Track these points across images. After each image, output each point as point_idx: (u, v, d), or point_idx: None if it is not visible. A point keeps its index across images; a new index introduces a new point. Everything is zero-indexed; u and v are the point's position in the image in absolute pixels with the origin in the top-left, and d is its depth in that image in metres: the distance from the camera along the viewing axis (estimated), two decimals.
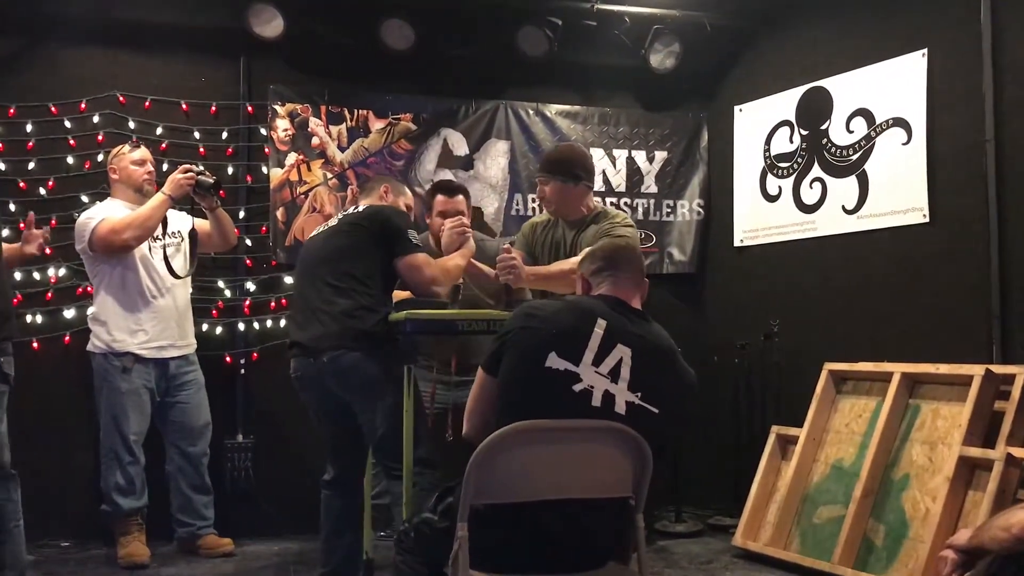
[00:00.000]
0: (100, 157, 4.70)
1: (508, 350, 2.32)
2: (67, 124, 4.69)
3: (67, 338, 4.60)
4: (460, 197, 4.03)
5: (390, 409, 3.03)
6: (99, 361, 4.21)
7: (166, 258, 4.18)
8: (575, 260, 3.33)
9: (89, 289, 4.59)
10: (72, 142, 4.70)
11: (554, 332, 2.27)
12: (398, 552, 2.54)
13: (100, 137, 4.72)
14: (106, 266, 4.20)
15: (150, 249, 4.25)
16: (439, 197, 4.01)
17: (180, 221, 4.34)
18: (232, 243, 4.53)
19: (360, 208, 3.39)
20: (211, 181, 4.20)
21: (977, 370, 3.80)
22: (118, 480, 4.17)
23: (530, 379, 2.26)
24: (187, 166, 4.23)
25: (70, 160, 4.69)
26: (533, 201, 5.30)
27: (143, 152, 4.38)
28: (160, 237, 4.26)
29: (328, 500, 3.35)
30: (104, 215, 4.17)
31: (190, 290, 4.46)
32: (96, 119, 4.73)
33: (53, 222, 4.61)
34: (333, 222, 3.39)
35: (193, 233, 4.24)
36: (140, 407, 4.21)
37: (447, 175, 5.14)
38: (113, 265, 4.19)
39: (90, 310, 4.30)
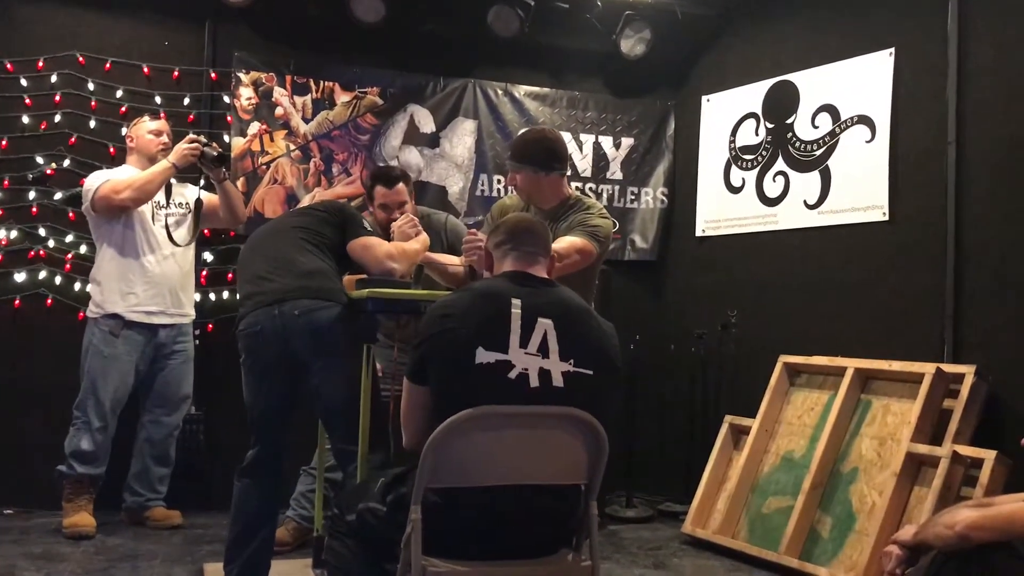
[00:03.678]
0: (57, 118, 4.60)
1: (432, 357, 2.27)
2: (23, 82, 4.57)
3: (17, 302, 4.51)
4: (400, 186, 3.79)
5: (351, 378, 2.95)
6: (90, 325, 4.23)
7: (167, 227, 4.23)
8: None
9: (41, 253, 4.55)
10: (28, 101, 4.58)
11: (474, 327, 2.24)
12: (334, 536, 2.48)
13: (58, 98, 4.61)
14: (107, 228, 4.22)
15: (152, 217, 4.28)
16: (379, 188, 3.79)
17: (188, 193, 4.39)
18: (242, 219, 4.54)
19: (315, 202, 3.42)
20: (215, 153, 4.22)
21: (928, 368, 3.87)
22: (82, 445, 4.13)
23: (463, 380, 2.21)
24: (192, 136, 4.25)
25: (25, 119, 4.58)
26: (499, 182, 5.28)
27: (161, 123, 4.42)
28: (164, 206, 4.29)
29: (245, 492, 3.11)
30: (109, 177, 4.19)
31: (191, 261, 4.44)
32: (54, 79, 4.61)
33: (6, 182, 4.52)
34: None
35: (199, 202, 4.28)
36: (122, 375, 4.20)
37: (413, 152, 5.10)
38: (113, 226, 4.21)
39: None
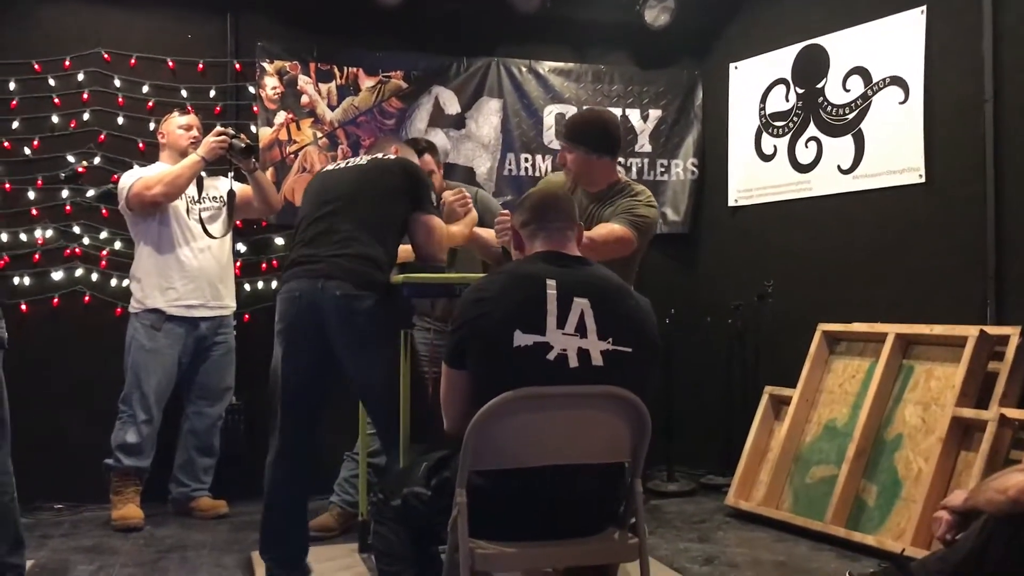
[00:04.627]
0: (86, 116, 4.64)
1: (469, 343, 2.26)
2: (51, 82, 4.60)
3: (56, 300, 4.56)
4: (427, 156, 3.89)
5: (388, 365, 2.93)
6: (132, 320, 4.28)
7: (202, 221, 4.27)
8: (589, 234, 3.15)
9: (77, 251, 4.61)
10: (57, 101, 4.61)
11: (510, 310, 2.23)
12: (379, 521, 2.49)
13: (85, 96, 4.64)
14: (143, 225, 4.27)
15: (187, 211, 4.31)
16: None
17: (220, 186, 4.41)
18: (276, 207, 4.56)
19: (389, 156, 3.25)
20: (243, 144, 4.24)
21: (971, 331, 3.80)
22: (128, 438, 4.19)
23: (502, 364, 2.21)
24: (220, 128, 4.28)
25: (55, 119, 4.62)
26: (526, 160, 5.26)
27: (191, 118, 4.45)
28: (198, 201, 4.33)
29: (276, 485, 3.05)
30: (141, 175, 4.23)
31: (229, 253, 4.47)
32: (81, 77, 4.64)
33: (39, 182, 4.57)
34: (362, 160, 3.24)
35: (231, 193, 4.31)
36: (164, 367, 4.25)
37: (439, 134, 5.08)
38: (149, 224, 4.25)
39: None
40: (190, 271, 4.27)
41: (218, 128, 4.29)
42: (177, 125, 4.38)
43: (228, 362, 4.45)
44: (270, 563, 3.13)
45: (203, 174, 4.31)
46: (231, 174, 4.32)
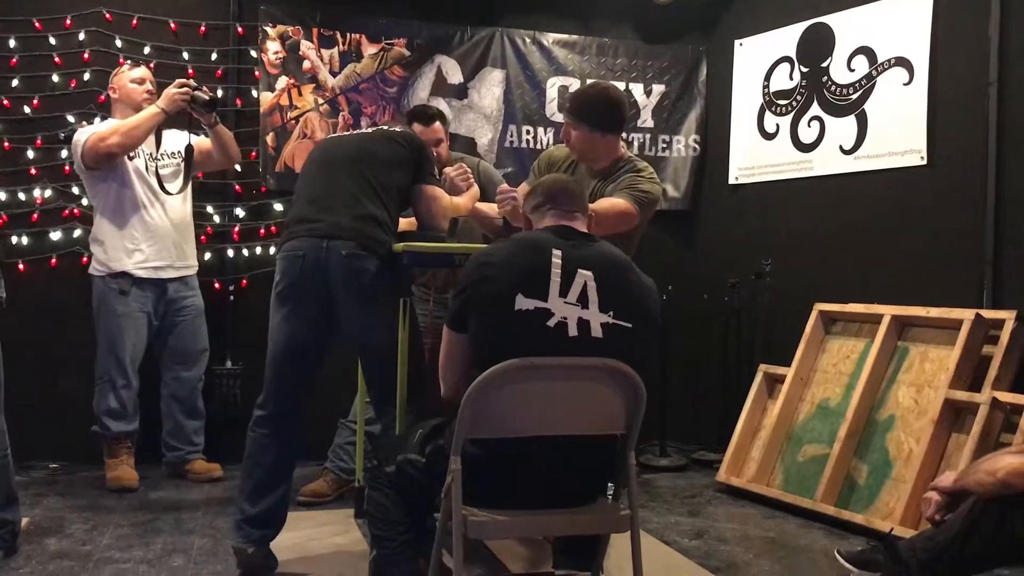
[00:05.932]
0: (87, 76, 4.61)
1: (473, 305, 2.29)
2: (52, 41, 4.57)
3: (54, 260, 4.55)
4: (437, 124, 3.90)
5: (388, 326, 2.93)
6: (98, 284, 4.19)
7: (158, 176, 4.17)
8: (592, 206, 3.18)
9: (76, 211, 4.59)
10: (57, 60, 4.58)
11: (515, 274, 2.25)
12: (374, 487, 2.52)
13: (86, 55, 4.60)
14: (103, 185, 4.16)
15: (146, 168, 4.21)
16: (415, 126, 3.83)
17: (178, 141, 4.30)
18: (236, 159, 4.47)
19: (395, 128, 3.28)
20: (207, 97, 4.13)
21: (967, 314, 3.81)
22: (110, 404, 4.18)
23: (503, 326, 2.24)
24: (183, 80, 4.16)
25: (55, 78, 4.58)
26: (528, 132, 5.24)
27: (143, 71, 4.31)
28: (156, 157, 4.23)
29: (261, 443, 3.00)
30: (96, 130, 4.12)
31: (190, 211, 4.40)
32: (82, 36, 4.60)
33: (38, 141, 4.55)
34: (367, 129, 3.28)
35: (189, 148, 4.21)
36: (136, 330, 4.20)
37: (441, 104, 5.04)
38: (109, 183, 4.15)
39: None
40: (155, 231, 4.19)
41: (180, 80, 4.18)
42: (130, 79, 4.22)
43: (200, 324, 4.39)
44: (241, 522, 3.04)
45: (164, 131, 4.21)
46: (209, 129, 4.23)
